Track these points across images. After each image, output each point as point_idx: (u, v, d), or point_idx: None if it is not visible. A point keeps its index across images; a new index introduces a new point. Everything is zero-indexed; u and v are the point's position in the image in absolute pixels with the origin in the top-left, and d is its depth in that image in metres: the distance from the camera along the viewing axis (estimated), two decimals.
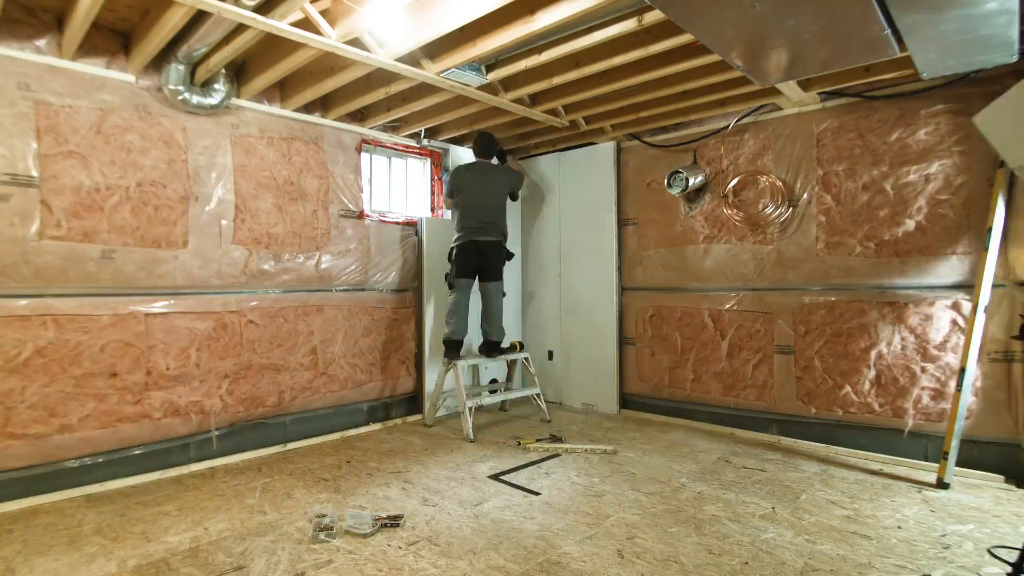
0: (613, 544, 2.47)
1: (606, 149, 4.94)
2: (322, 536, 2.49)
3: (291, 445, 3.91)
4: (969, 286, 3.31)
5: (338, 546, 2.45)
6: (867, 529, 2.61)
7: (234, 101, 3.67)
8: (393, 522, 2.65)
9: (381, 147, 4.67)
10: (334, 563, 2.31)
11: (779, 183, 3.96)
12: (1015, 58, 2.61)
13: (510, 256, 4.53)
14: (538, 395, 4.64)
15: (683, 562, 2.31)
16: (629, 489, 3.12)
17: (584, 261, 5.11)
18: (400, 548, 2.44)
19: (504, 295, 4.52)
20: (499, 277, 4.44)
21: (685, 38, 2.86)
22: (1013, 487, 3.11)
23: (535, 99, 4.02)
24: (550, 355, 5.39)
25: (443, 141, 4.99)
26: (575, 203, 5.20)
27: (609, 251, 4.92)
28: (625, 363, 4.88)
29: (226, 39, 2.99)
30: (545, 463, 3.56)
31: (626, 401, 4.89)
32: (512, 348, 4.72)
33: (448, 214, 5.10)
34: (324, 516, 2.60)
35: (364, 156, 4.51)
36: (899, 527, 2.63)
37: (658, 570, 2.25)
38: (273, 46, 3.27)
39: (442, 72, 3.28)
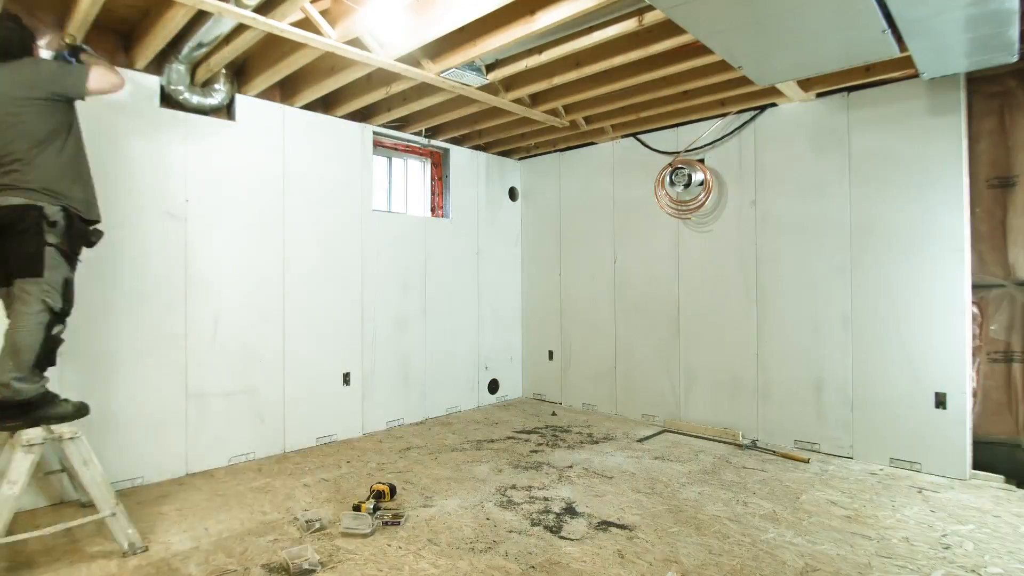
0: (613, 544, 2.47)
1: (605, 149, 4.95)
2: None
3: (290, 446, 3.90)
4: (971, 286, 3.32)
5: (338, 546, 2.45)
6: (867, 529, 2.61)
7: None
8: (394, 521, 2.66)
9: (381, 147, 4.68)
10: (334, 563, 2.31)
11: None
12: (1015, 58, 2.62)
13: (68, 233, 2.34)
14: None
15: (683, 562, 2.31)
16: (629, 490, 3.13)
17: (584, 261, 5.12)
18: (400, 548, 2.44)
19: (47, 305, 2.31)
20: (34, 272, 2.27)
21: (685, 38, 2.86)
22: (1013, 487, 3.11)
23: (535, 99, 4.02)
24: (550, 355, 5.40)
25: (444, 141, 4.99)
26: (575, 203, 5.20)
27: (609, 250, 4.92)
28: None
29: (226, 39, 3.00)
30: None
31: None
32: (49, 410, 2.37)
33: (449, 214, 5.10)
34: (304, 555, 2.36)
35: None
36: (899, 527, 2.63)
37: (658, 570, 2.25)
38: (273, 46, 3.27)
39: (442, 72, 3.28)
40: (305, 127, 4.01)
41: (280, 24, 2.70)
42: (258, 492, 3.11)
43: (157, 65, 3.30)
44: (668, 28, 2.85)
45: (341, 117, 4.22)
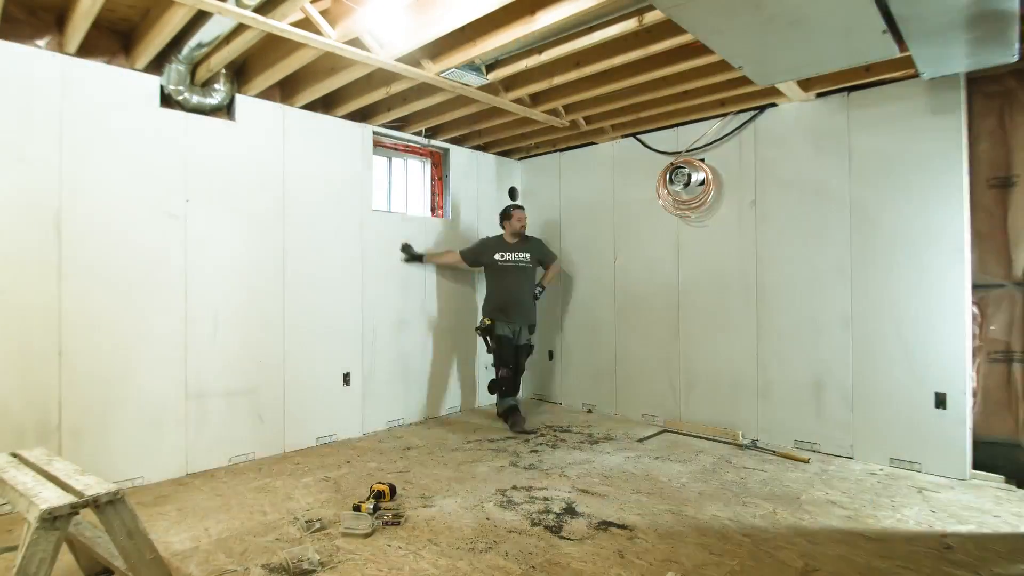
0: (613, 544, 2.47)
1: (605, 149, 4.95)
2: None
3: (290, 446, 3.90)
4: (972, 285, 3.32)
5: (338, 546, 2.45)
6: (867, 529, 2.61)
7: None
8: (394, 521, 2.66)
9: (381, 147, 4.68)
10: (334, 563, 2.31)
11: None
12: (1015, 58, 2.62)
13: None
14: None
15: (683, 562, 2.31)
16: (630, 490, 3.13)
17: (583, 260, 5.12)
18: (400, 548, 2.44)
19: None
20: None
21: (685, 38, 2.86)
22: (1013, 487, 3.11)
23: (535, 99, 4.02)
24: (550, 355, 5.40)
25: (444, 141, 4.99)
26: (575, 203, 5.20)
27: (609, 250, 4.92)
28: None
29: (226, 39, 3.00)
30: None
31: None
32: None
33: (449, 214, 5.10)
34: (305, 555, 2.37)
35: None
36: (900, 527, 2.63)
37: (658, 570, 2.25)
38: (273, 46, 3.27)
39: (442, 72, 3.28)
40: (305, 127, 4.01)
41: (280, 24, 2.70)
42: (258, 492, 3.11)
43: (157, 65, 3.30)
44: (668, 28, 2.85)
45: (341, 117, 4.22)
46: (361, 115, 4.36)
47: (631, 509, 2.85)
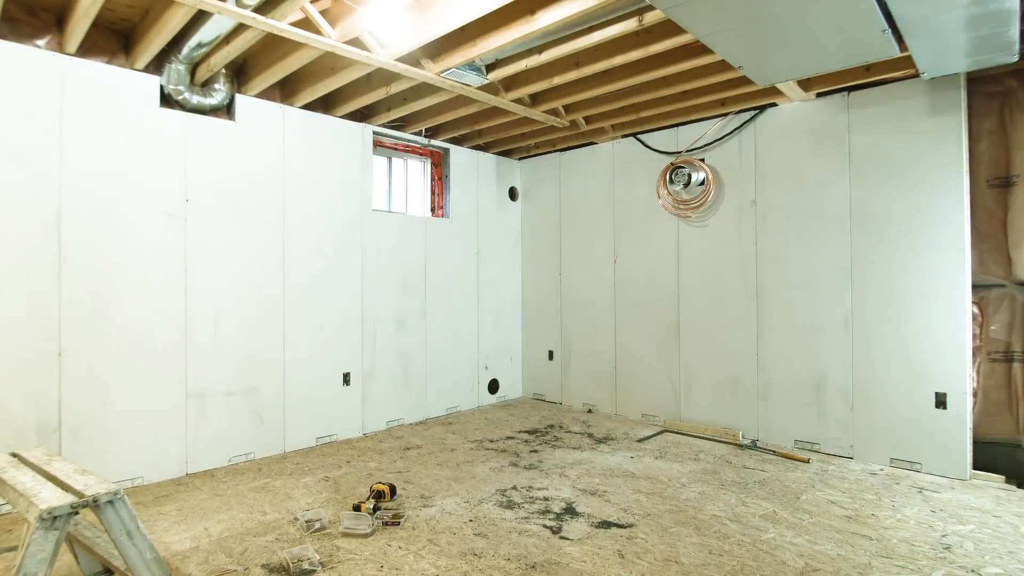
0: (613, 544, 2.47)
1: (605, 149, 4.95)
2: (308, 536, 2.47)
3: (290, 446, 3.90)
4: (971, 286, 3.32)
5: (338, 546, 2.45)
6: (867, 529, 2.61)
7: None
8: (394, 521, 2.66)
9: (381, 147, 4.68)
10: (334, 563, 2.31)
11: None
12: (1015, 58, 2.62)
13: None
14: None
15: (683, 562, 2.31)
16: (630, 490, 3.13)
17: (584, 261, 5.12)
18: (400, 548, 2.44)
19: None
20: None
21: (685, 38, 2.86)
22: (1013, 487, 3.11)
23: (535, 99, 4.02)
24: (550, 355, 5.40)
25: (444, 141, 4.99)
26: (575, 203, 5.20)
27: (609, 250, 4.92)
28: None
29: (226, 39, 3.00)
30: None
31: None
32: None
33: (449, 214, 5.10)
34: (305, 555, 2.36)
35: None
36: (900, 527, 2.63)
37: (658, 570, 2.25)
38: (273, 46, 3.28)
39: (442, 72, 3.28)
40: (305, 127, 4.01)
41: (280, 24, 2.70)
42: (258, 492, 3.11)
43: (157, 65, 3.30)
44: (668, 28, 2.85)
45: (341, 117, 4.22)
46: (361, 115, 4.36)
47: (631, 509, 2.85)
